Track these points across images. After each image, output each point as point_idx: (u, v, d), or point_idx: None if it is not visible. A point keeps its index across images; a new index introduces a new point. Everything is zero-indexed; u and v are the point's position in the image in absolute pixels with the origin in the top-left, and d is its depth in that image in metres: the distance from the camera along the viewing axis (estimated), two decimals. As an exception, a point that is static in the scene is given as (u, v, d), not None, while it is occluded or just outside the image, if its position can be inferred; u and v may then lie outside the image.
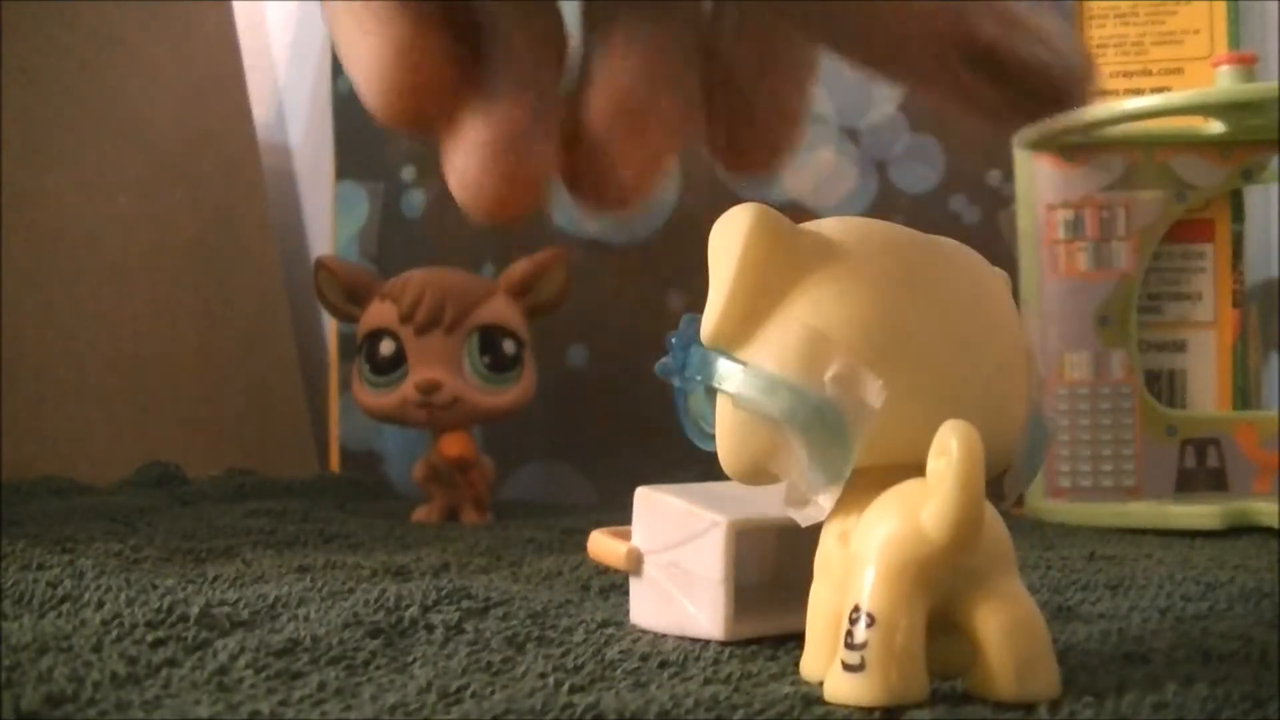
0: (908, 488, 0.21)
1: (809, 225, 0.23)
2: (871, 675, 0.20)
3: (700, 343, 0.23)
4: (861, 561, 0.21)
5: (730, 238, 0.23)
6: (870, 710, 0.21)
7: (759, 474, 0.23)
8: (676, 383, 0.24)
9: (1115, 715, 0.20)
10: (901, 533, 0.21)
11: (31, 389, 0.60)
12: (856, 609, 0.21)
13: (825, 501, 0.22)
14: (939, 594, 0.21)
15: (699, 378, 0.23)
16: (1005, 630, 0.21)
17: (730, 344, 0.23)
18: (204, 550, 0.40)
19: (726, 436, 0.23)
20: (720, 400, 0.23)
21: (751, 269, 0.22)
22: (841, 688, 0.21)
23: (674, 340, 0.24)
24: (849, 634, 0.21)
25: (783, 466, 0.22)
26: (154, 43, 0.71)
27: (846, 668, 0.21)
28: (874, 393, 0.21)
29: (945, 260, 0.24)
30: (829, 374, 0.21)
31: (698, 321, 0.24)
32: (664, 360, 0.25)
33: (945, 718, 0.20)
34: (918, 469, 0.21)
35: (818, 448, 0.21)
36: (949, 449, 0.20)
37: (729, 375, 0.23)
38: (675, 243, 0.66)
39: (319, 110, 0.79)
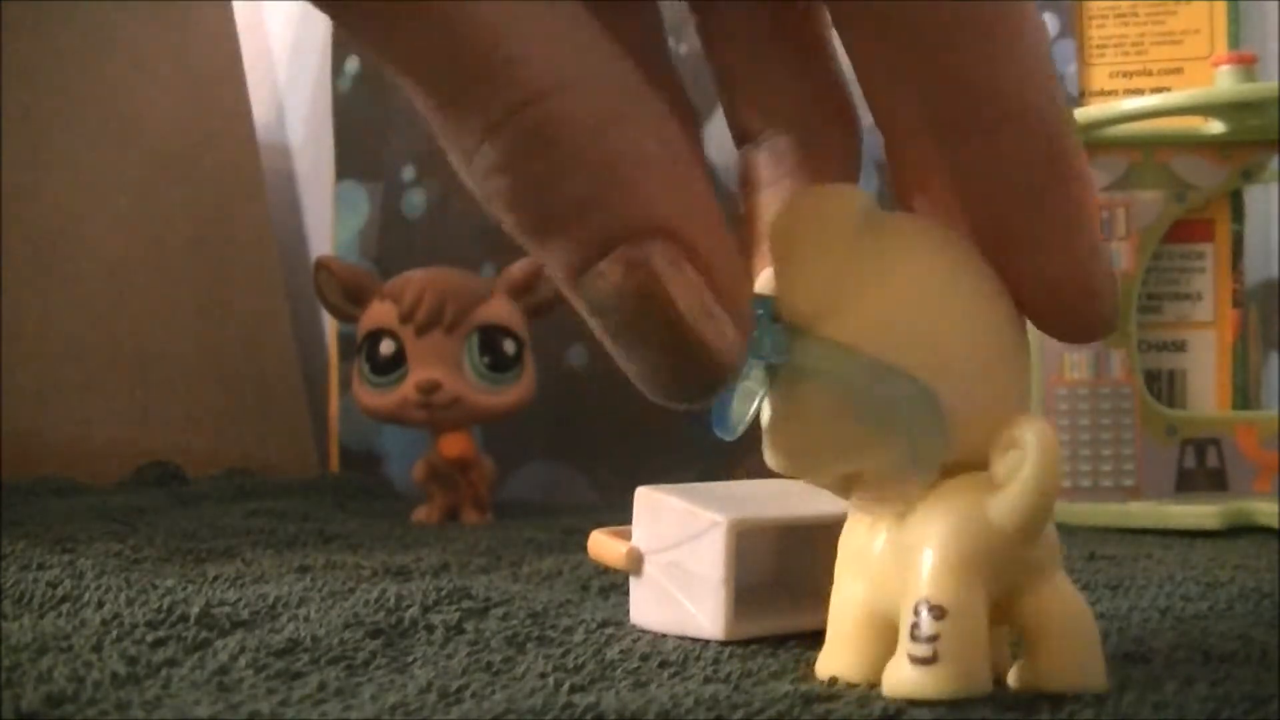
0: (967, 481, 0.21)
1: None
2: (945, 667, 0.20)
3: (778, 322, 0.22)
4: (917, 555, 0.21)
5: (828, 215, 0.22)
6: (868, 707, 0.21)
7: (827, 466, 0.22)
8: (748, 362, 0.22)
9: (1115, 715, 0.20)
10: (968, 524, 0.21)
11: (31, 389, 0.60)
12: (923, 602, 0.21)
13: (916, 492, 0.21)
14: (999, 587, 0.21)
15: (775, 357, 0.21)
16: (1065, 621, 0.21)
17: (819, 325, 0.21)
18: (204, 550, 0.40)
19: (802, 424, 0.22)
20: (798, 386, 0.22)
21: (849, 248, 0.21)
22: (909, 681, 0.20)
23: None
24: (915, 627, 0.20)
25: (868, 457, 0.21)
26: (154, 43, 0.71)
27: (915, 661, 0.20)
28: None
29: (982, 260, 0.23)
30: (928, 361, 0.21)
31: (768, 302, 0.22)
32: None
33: (946, 717, 0.20)
34: (958, 468, 0.21)
35: (917, 435, 0.21)
36: (1024, 442, 0.20)
37: (827, 356, 0.21)
38: (675, 243, 0.66)
39: (319, 110, 0.79)
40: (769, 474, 0.33)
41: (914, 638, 0.20)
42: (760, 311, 0.22)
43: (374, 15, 0.18)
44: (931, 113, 0.21)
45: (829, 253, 0.22)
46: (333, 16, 0.19)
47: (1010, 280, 0.22)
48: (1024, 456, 0.20)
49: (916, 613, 0.21)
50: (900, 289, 0.21)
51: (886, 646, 0.21)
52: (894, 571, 0.22)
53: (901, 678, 0.21)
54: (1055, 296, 0.22)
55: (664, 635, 0.28)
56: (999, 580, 0.21)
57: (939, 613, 0.20)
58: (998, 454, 0.21)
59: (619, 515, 0.31)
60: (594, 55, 0.19)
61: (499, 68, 0.18)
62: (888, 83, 0.22)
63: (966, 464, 0.21)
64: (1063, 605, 0.21)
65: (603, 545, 0.30)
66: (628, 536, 0.29)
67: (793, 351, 0.21)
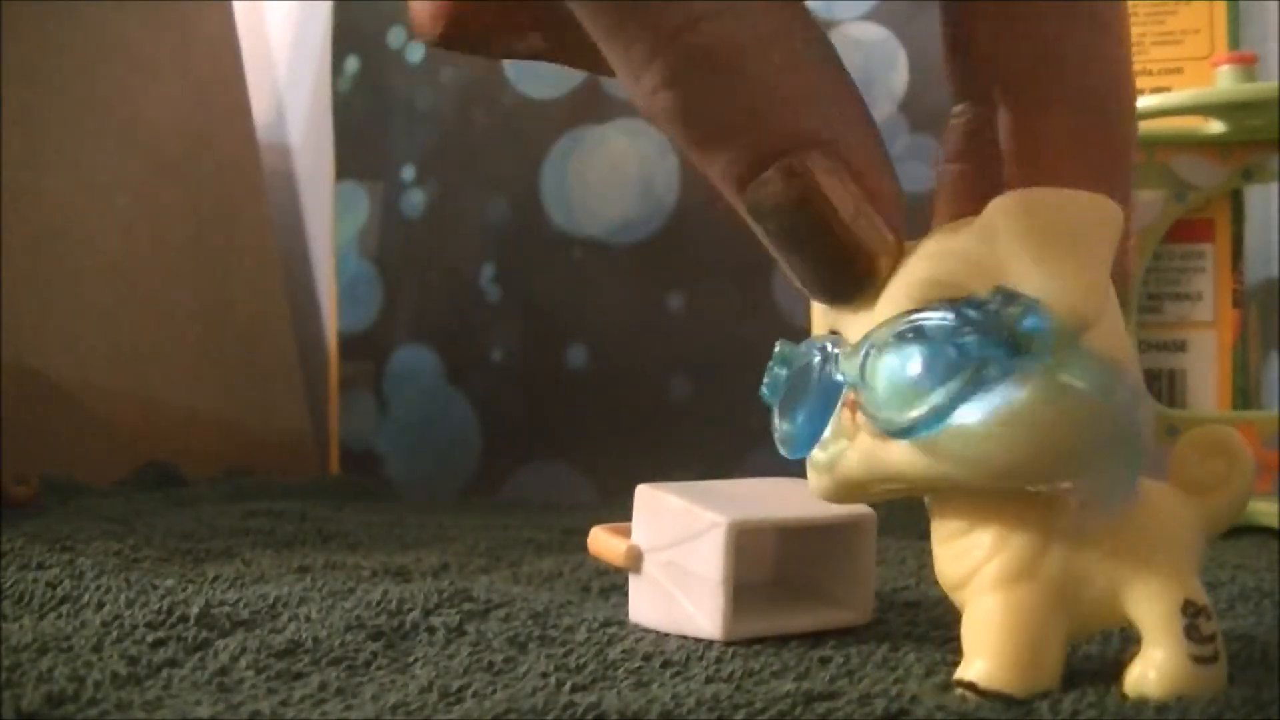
0: (1161, 493, 0.22)
1: None
2: (1222, 664, 0.21)
3: (1045, 324, 0.20)
4: (1144, 562, 0.21)
5: (1103, 221, 0.22)
6: (869, 706, 0.21)
7: (1040, 474, 0.21)
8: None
9: (1116, 715, 0.20)
10: (1187, 527, 0.22)
11: (31, 389, 0.60)
12: (1191, 604, 0.21)
13: (1124, 507, 0.21)
14: None
15: (1043, 357, 0.20)
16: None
17: (1083, 334, 0.21)
18: (204, 550, 0.40)
19: (1039, 433, 0.20)
20: (1050, 392, 0.20)
21: (1104, 262, 0.22)
22: (1196, 681, 0.21)
23: (990, 315, 0.20)
24: (1195, 628, 0.21)
25: (1086, 470, 0.20)
26: (154, 43, 0.71)
27: (1200, 661, 0.21)
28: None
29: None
30: (1136, 370, 0.22)
31: (1015, 300, 0.21)
32: (967, 336, 0.20)
33: (948, 717, 0.20)
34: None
35: (1141, 451, 0.20)
36: (1231, 451, 0.22)
37: (1093, 367, 0.20)
38: (675, 243, 0.66)
39: (319, 110, 0.79)
40: (769, 474, 0.33)
41: (1192, 638, 0.21)
42: (1034, 303, 0.21)
43: None
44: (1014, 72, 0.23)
45: (1101, 263, 0.22)
46: None
47: None
48: (1233, 463, 0.22)
49: (1188, 615, 0.21)
50: (1114, 307, 0.22)
51: (1060, 656, 0.22)
52: (1099, 581, 0.22)
53: (1183, 679, 0.21)
54: None
55: (666, 635, 0.28)
56: None
57: (1206, 613, 0.21)
58: (1194, 459, 0.22)
59: (619, 515, 0.31)
60: None
61: None
62: (991, 43, 0.23)
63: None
64: None
65: (602, 542, 0.30)
66: (627, 534, 0.29)
67: (1057, 357, 0.20)
